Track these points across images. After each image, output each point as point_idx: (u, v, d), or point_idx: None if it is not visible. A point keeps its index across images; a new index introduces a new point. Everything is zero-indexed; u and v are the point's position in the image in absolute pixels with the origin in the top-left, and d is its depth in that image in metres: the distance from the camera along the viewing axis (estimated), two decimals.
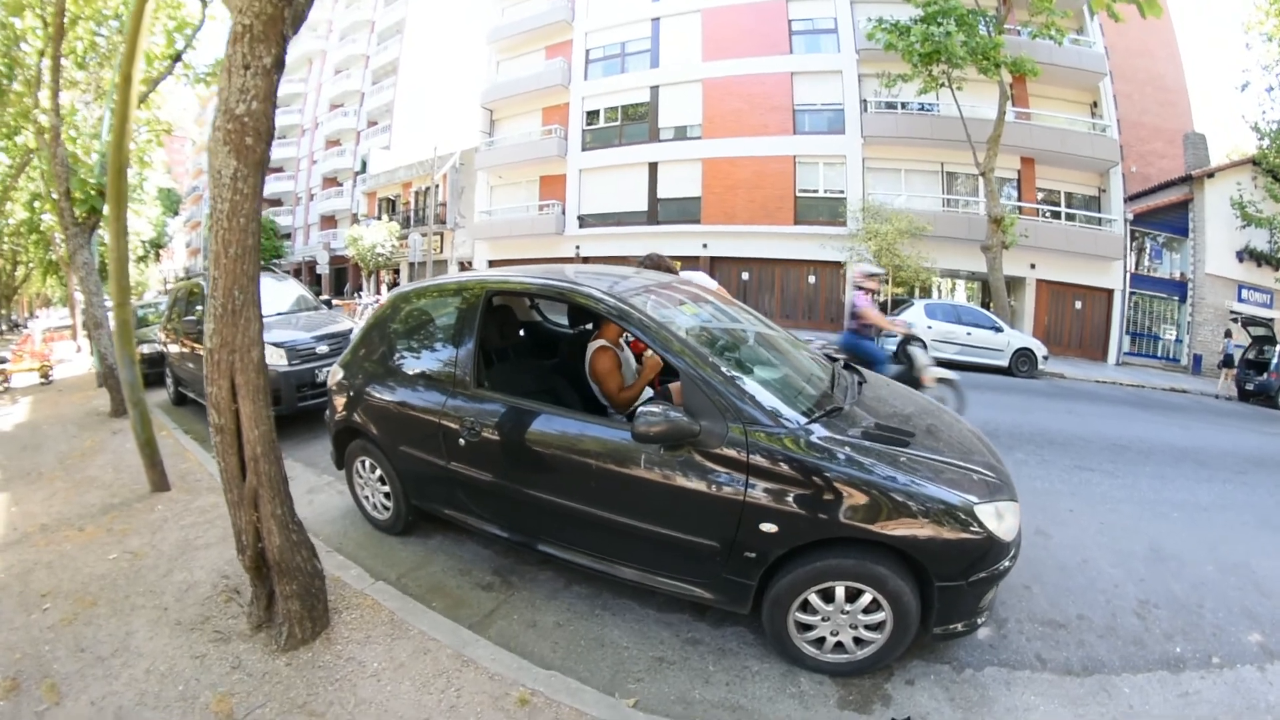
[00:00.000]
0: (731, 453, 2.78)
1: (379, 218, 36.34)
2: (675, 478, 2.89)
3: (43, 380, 13.74)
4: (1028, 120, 20.81)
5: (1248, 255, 20.54)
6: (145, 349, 11.13)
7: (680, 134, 25.45)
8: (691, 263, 22.24)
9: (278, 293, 9.04)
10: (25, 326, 28.84)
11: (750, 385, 3.01)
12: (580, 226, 27.53)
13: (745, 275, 24.56)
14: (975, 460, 3.04)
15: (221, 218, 2.78)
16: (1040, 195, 21.77)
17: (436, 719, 2.63)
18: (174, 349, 8.98)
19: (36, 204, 16.10)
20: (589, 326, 4.78)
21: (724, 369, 3.01)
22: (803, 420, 2.89)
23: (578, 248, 27.12)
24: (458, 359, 3.77)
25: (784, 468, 2.71)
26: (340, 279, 42.99)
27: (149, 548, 4.36)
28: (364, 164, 40.22)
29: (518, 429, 3.41)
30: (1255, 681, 3.06)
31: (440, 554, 4.20)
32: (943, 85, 17.37)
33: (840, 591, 2.76)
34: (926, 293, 21.54)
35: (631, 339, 3.97)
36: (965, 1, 16.67)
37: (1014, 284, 20.78)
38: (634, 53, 26.55)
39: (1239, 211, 19.84)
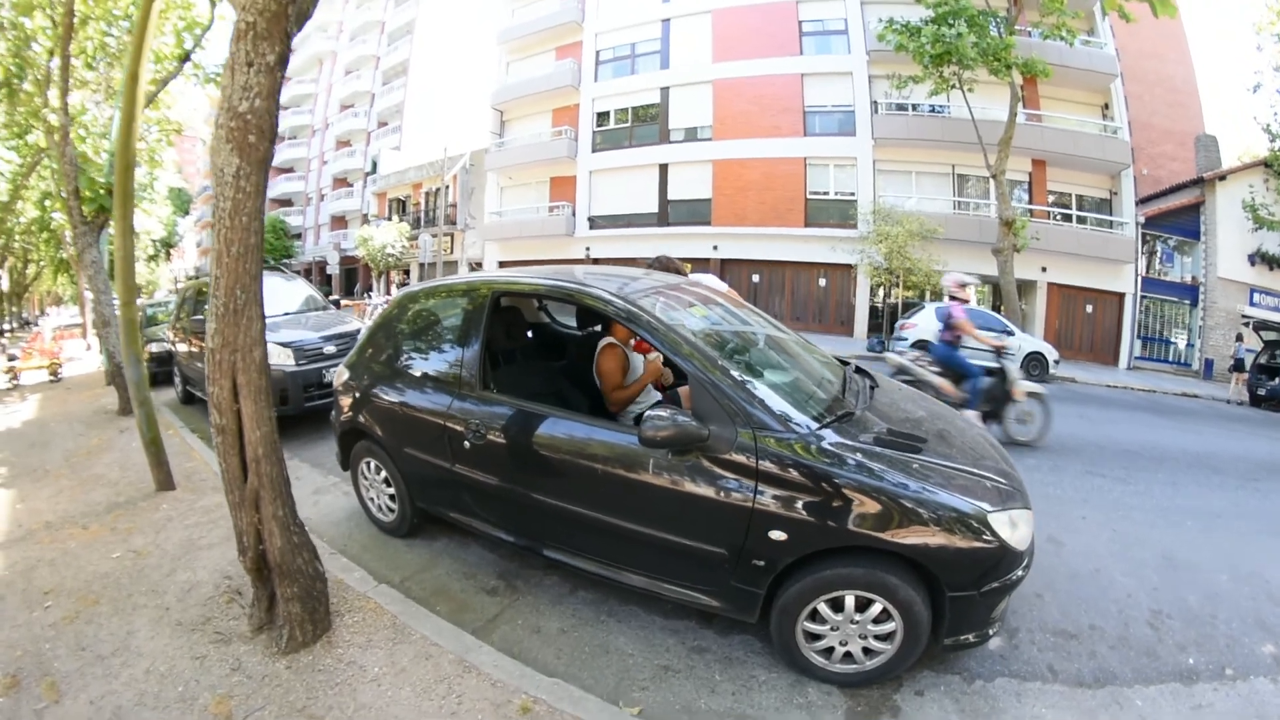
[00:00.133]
0: (740, 458, 2.73)
1: (389, 218, 36.44)
2: (683, 483, 2.84)
3: (52, 378, 13.82)
4: (1039, 122, 20.71)
5: (1260, 259, 20.38)
6: (154, 348, 11.19)
7: (691, 135, 25.42)
8: (702, 265, 22.23)
9: (287, 292, 9.06)
10: (36, 324, 29.07)
11: (760, 389, 2.96)
12: (590, 228, 27.55)
13: (756, 278, 24.50)
14: (987, 466, 2.99)
15: (224, 216, 2.76)
16: (1051, 198, 21.67)
17: None
18: (182, 348, 9.01)
19: (47, 203, 16.19)
20: (598, 328, 4.74)
21: (733, 373, 2.96)
22: (814, 425, 2.84)
23: (588, 249, 27.12)
24: (464, 360, 3.74)
25: (794, 474, 2.66)
26: (350, 279, 43.17)
27: (153, 547, 4.36)
28: (374, 165, 40.33)
29: (523, 432, 3.37)
30: (1269, 694, 3.00)
31: (445, 557, 4.17)
32: (954, 87, 17.25)
33: (850, 601, 2.71)
34: (937, 296, 21.41)
35: (635, 340, 3.92)
36: (976, 2, 16.55)
37: (1025, 287, 20.64)
38: (644, 54, 26.53)
39: (1251, 214, 19.67)
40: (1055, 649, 3.26)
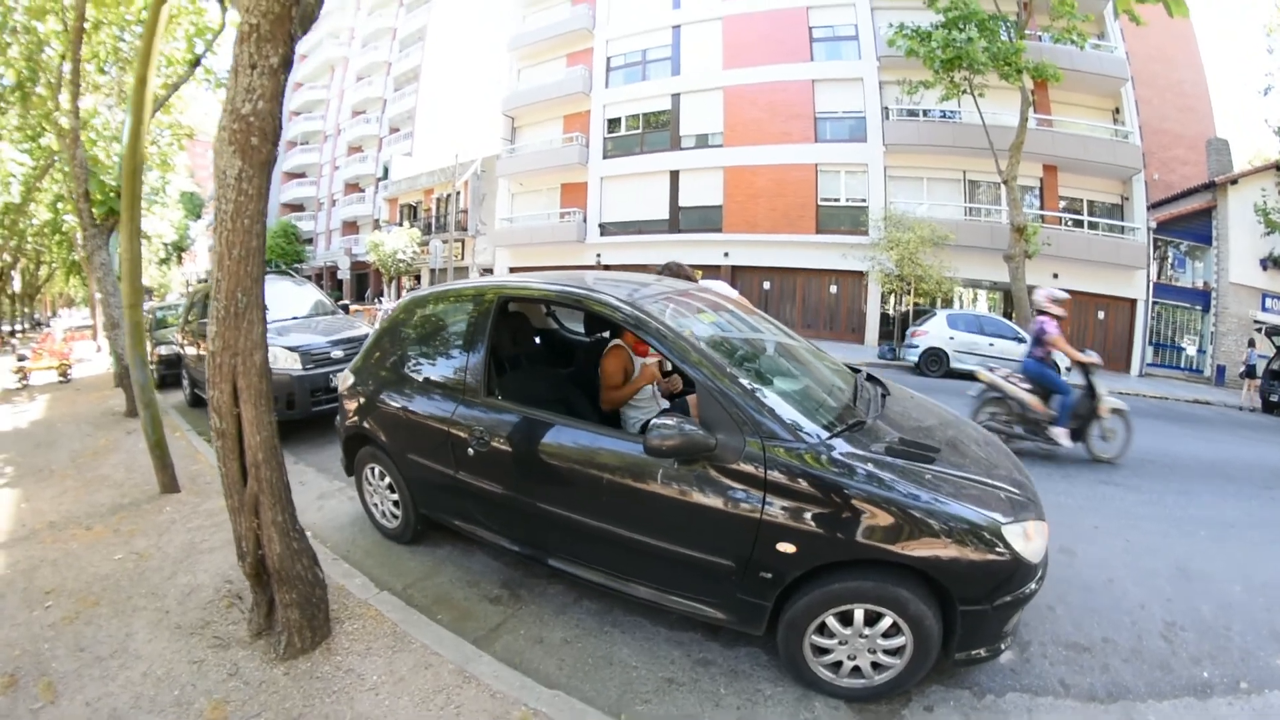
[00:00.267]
0: (748, 468, 2.68)
1: (400, 224, 36.56)
2: (689, 493, 2.79)
3: (61, 379, 13.92)
4: (1050, 127, 20.57)
5: (1272, 263, 20.10)
6: (163, 350, 11.27)
7: (702, 142, 25.38)
8: (713, 272, 22.16)
9: (296, 297, 9.10)
10: (47, 325, 29.28)
11: (769, 398, 2.91)
12: (601, 234, 27.52)
13: (767, 284, 24.40)
14: (1000, 476, 2.93)
15: (225, 218, 2.74)
16: (1062, 204, 21.50)
17: None
18: (190, 351, 9.04)
19: (60, 205, 16.32)
20: (606, 335, 4.70)
21: (742, 381, 2.90)
22: (824, 435, 2.78)
23: (598, 255, 27.11)
24: (468, 366, 3.70)
25: (803, 485, 2.60)
26: (361, 284, 43.37)
27: (154, 549, 4.35)
28: (386, 170, 40.51)
29: (528, 439, 3.33)
30: None
31: (449, 564, 4.13)
32: (964, 92, 17.21)
33: (859, 614, 2.65)
34: (948, 303, 21.30)
35: (635, 343, 3.88)
36: (986, 6, 16.52)
37: None
38: (655, 60, 26.52)
39: (1263, 218, 19.45)
40: (1067, 662, 3.19)
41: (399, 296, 32.84)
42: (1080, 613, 3.68)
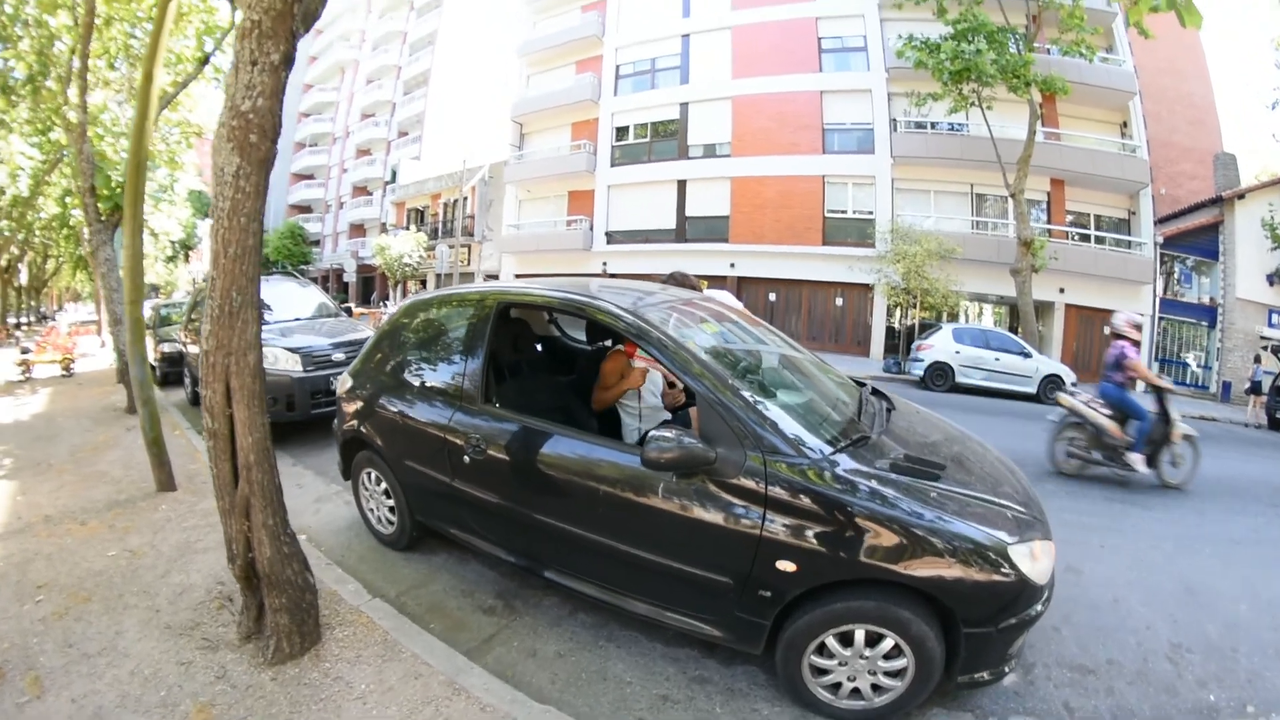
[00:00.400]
0: (749, 483, 2.62)
1: (407, 228, 36.69)
2: (688, 508, 2.73)
3: (64, 373, 13.92)
4: (1057, 140, 20.57)
5: (1279, 279, 20.06)
6: (166, 348, 11.26)
7: (709, 152, 25.39)
8: (719, 282, 22.13)
9: (301, 298, 9.09)
10: (53, 319, 29.36)
11: (772, 411, 2.85)
12: (608, 242, 27.54)
13: (773, 296, 24.36)
14: (1006, 494, 2.86)
15: (222, 216, 2.70)
16: (1070, 218, 21.48)
17: None
18: (193, 349, 9.00)
19: (68, 199, 16.35)
20: (608, 343, 4.64)
21: (744, 393, 2.84)
22: (827, 450, 2.72)
23: (605, 264, 27.08)
24: (466, 372, 3.66)
25: (805, 501, 2.54)
26: (367, 287, 43.48)
27: (148, 547, 4.32)
28: (394, 174, 40.68)
29: (525, 448, 3.27)
30: None
31: (443, 572, 4.08)
32: (973, 104, 17.17)
33: (860, 635, 2.59)
34: (954, 317, 21.24)
35: (627, 344, 3.84)
36: (995, 19, 16.50)
37: (1042, 308, 20.39)
38: (664, 69, 26.58)
39: (1270, 234, 19.46)
40: (1072, 685, 3.12)
41: None
42: (1086, 633, 3.61)
